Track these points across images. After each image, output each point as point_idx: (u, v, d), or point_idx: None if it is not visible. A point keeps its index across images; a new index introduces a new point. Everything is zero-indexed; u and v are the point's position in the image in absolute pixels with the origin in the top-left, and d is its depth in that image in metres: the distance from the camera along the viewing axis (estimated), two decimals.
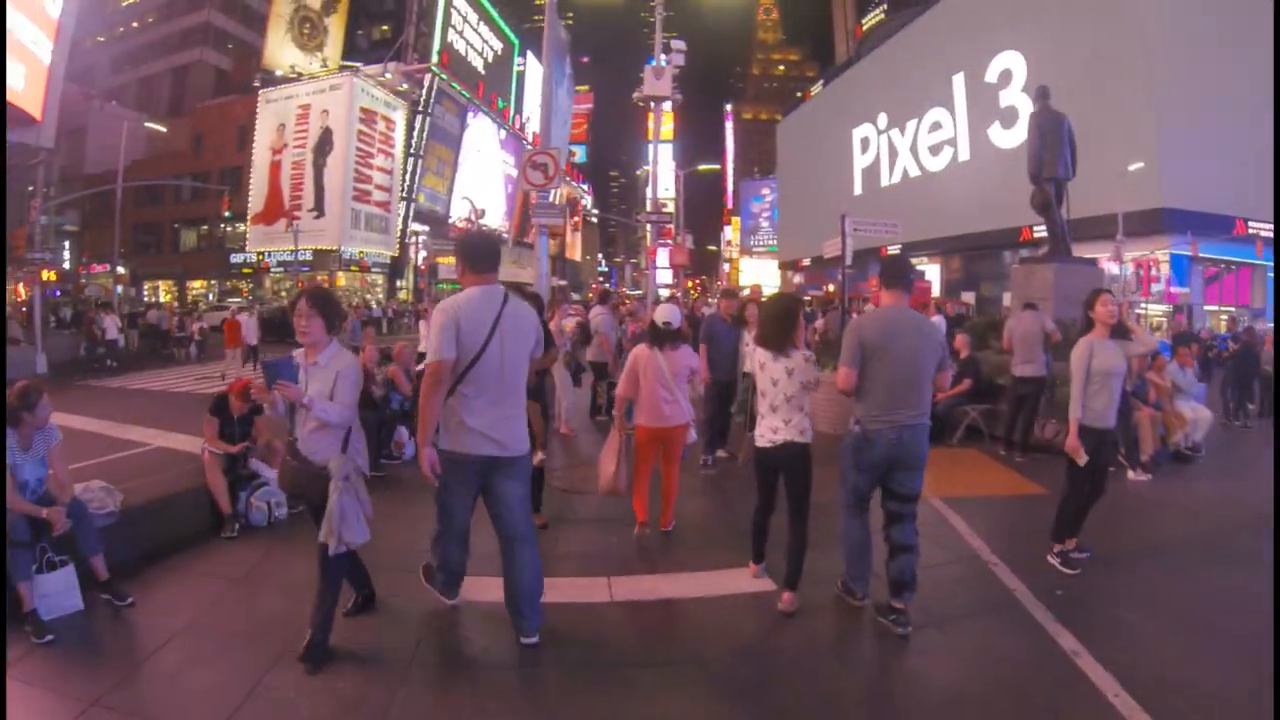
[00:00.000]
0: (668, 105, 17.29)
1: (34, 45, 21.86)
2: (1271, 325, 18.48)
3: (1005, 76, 35.21)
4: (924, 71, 41.57)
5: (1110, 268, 24.55)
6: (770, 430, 4.36)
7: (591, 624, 4.24)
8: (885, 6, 72.03)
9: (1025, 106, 30.43)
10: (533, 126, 60.76)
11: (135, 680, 3.64)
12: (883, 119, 47.71)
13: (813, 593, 4.43)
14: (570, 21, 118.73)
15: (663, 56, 17.01)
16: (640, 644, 4.07)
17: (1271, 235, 26.71)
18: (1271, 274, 29.72)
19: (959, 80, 38.95)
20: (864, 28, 75.78)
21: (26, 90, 21.71)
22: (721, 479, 7.48)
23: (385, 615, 4.27)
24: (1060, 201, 12.23)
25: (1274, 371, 8.16)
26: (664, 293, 25.78)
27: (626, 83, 17.10)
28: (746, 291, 18.77)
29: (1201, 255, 28.48)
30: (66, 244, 41.18)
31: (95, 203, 37.22)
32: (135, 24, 60.74)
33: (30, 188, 22.06)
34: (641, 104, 17.24)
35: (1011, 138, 33.15)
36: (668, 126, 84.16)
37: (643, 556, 5.39)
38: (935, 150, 41.97)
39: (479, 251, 3.96)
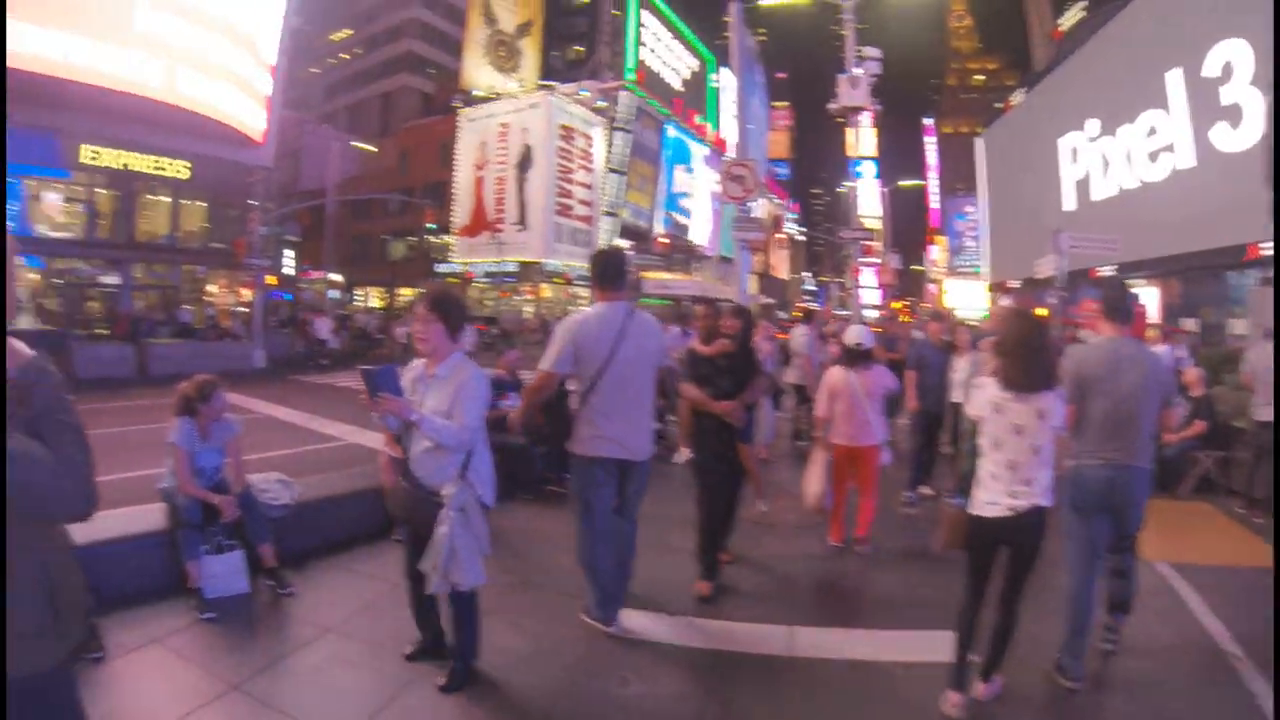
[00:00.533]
0: (867, 119, 16.53)
1: (255, 79, 24.79)
2: None
3: (1228, 69, 31.27)
4: (1134, 70, 37.53)
5: None
6: (1006, 495, 3.34)
7: (764, 683, 3.74)
8: (1085, 4, 66.83)
9: (1252, 102, 26.94)
10: (733, 141, 61.20)
11: (279, 671, 3.67)
12: (1092, 126, 43.85)
13: (1018, 669, 3.68)
14: (763, 37, 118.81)
15: (856, 68, 16.23)
16: (817, 714, 3.48)
17: None
18: None
19: (1175, 77, 35.03)
20: (1062, 29, 70.74)
21: (249, 117, 24.56)
22: (925, 519, 6.63)
23: (541, 642, 4.04)
24: None
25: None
26: (871, 314, 24.71)
27: (825, 99, 16.41)
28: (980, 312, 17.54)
29: None
30: (290, 253, 45.31)
31: (314, 216, 40.81)
32: (345, 55, 67.01)
33: (251, 202, 24.38)
34: (840, 118, 16.52)
35: (1238, 140, 29.41)
36: (869, 142, 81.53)
37: (831, 603, 4.92)
38: (1153, 157, 37.92)
39: (605, 270, 4.16)
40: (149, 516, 4.58)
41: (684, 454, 5.34)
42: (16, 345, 1.63)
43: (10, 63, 15.11)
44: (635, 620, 4.18)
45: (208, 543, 4.38)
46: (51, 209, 22.84)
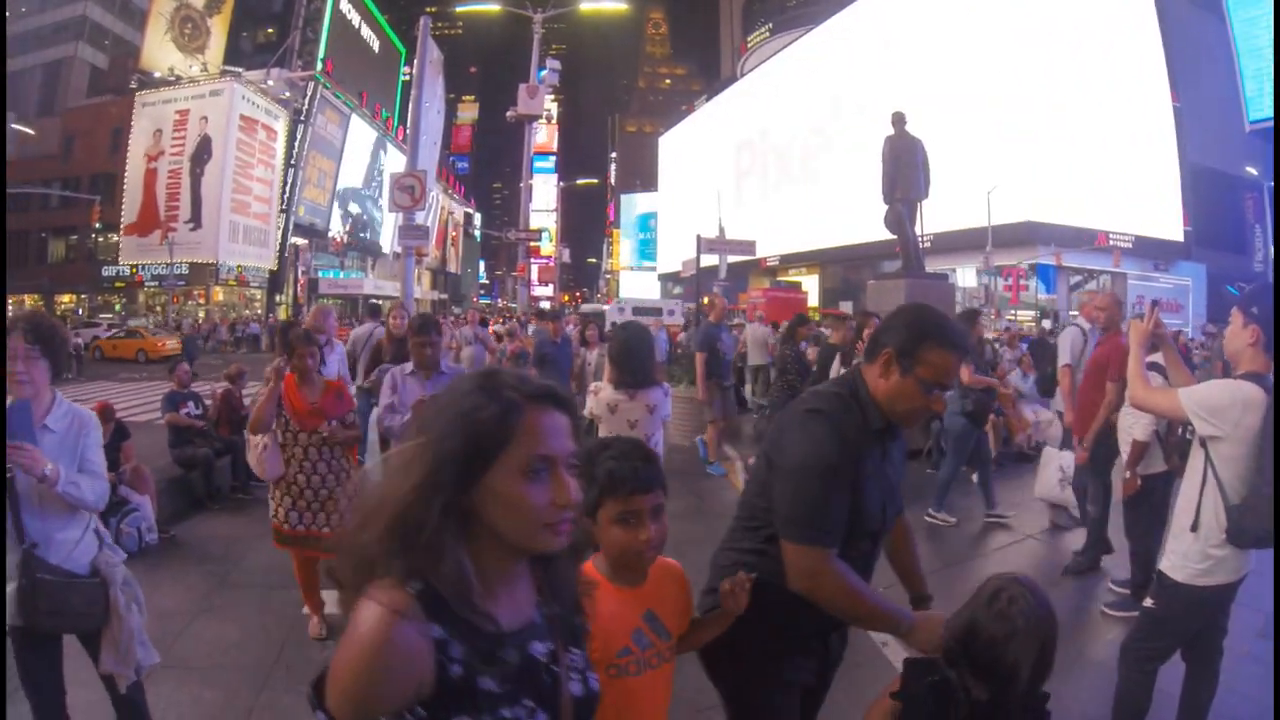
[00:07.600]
0: (544, 122, 17.90)
1: None
2: None
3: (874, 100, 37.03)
4: (803, 90, 43.91)
5: None
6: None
7: None
8: (770, 26, 74.77)
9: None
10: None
11: None
12: (764, 134, 49.87)
13: None
14: (458, 32, 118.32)
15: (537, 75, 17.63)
16: None
17: None
18: None
19: (836, 100, 41.28)
20: (749, 45, 78.19)
21: None
22: None
23: (249, 627, 4.48)
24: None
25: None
26: (545, 305, 26.24)
27: (513, 94, 17.39)
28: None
29: None
30: None
31: None
32: (4, 14, 56.20)
33: None
34: (516, 121, 17.76)
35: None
36: (544, 143, 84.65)
37: None
38: (814, 163, 44.12)
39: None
40: None
41: None
42: None
43: None
44: None
45: None
46: None
